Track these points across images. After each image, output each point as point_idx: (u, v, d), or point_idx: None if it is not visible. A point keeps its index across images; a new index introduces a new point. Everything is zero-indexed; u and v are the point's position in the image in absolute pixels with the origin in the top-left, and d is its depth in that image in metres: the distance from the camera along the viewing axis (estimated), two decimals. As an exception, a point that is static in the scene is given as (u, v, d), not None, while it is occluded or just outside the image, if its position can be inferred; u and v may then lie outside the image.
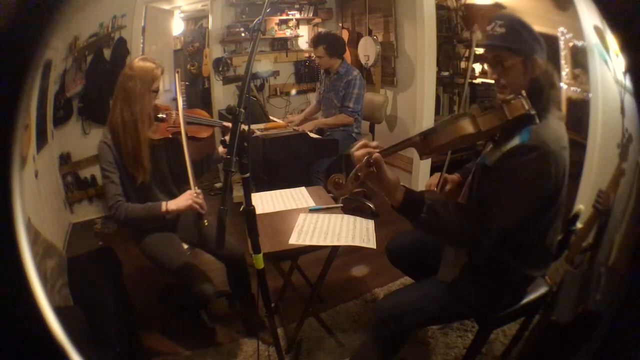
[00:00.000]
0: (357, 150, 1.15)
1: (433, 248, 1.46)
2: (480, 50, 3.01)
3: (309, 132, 2.62)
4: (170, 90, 1.96)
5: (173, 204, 1.60)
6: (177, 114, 1.73)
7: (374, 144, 1.17)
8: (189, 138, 1.76)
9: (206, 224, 1.62)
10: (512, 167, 1.11)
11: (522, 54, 1.16)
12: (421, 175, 2.92)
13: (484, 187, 1.20)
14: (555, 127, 1.13)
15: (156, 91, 1.67)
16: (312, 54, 3.69)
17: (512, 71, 1.17)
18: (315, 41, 2.83)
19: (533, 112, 1.07)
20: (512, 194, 1.12)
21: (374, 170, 1.11)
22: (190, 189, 1.63)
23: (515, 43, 1.16)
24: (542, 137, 1.09)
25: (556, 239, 1.23)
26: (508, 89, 1.17)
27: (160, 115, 1.72)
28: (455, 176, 1.48)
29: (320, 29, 3.65)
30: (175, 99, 1.85)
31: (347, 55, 3.10)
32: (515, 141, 1.11)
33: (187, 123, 1.76)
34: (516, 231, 1.15)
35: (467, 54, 3.03)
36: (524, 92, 1.08)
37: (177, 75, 1.78)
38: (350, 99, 2.79)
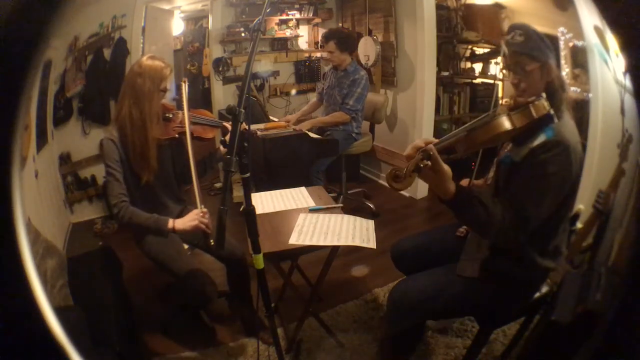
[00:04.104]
0: (413, 145, 1.27)
1: (438, 252, 1.50)
2: (480, 50, 3.02)
3: (308, 132, 2.62)
4: (171, 90, 1.96)
5: (180, 223, 1.61)
6: (183, 114, 1.73)
7: (428, 139, 1.28)
8: (194, 138, 1.75)
9: (212, 243, 1.61)
10: (542, 161, 1.20)
11: (540, 60, 1.27)
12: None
13: (515, 182, 1.28)
14: (571, 124, 1.24)
15: (164, 91, 1.67)
16: (312, 55, 3.71)
17: (532, 76, 1.27)
18: (327, 36, 2.82)
19: (552, 112, 1.20)
20: (545, 186, 1.21)
21: (429, 163, 1.19)
22: (191, 194, 1.63)
23: (535, 50, 1.27)
24: (563, 133, 1.20)
25: (568, 227, 1.29)
26: (527, 92, 1.26)
27: (167, 115, 1.72)
28: (481, 181, 1.55)
29: (321, 29, 3.65)
30: (175, 99, 1.85)
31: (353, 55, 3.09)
32: (541, 138, 1.21)
33: (193, 123, 1.76)
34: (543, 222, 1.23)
35: (467, 54, 3.04)
36: (544, 94, 1.20)
37: (184, 84, 1.78)
38: (351, 97, 2.78)
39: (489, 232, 1.32)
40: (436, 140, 1.28)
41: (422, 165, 1.19)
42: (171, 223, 1.60)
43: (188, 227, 1.60)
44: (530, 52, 1.27)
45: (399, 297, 1.44)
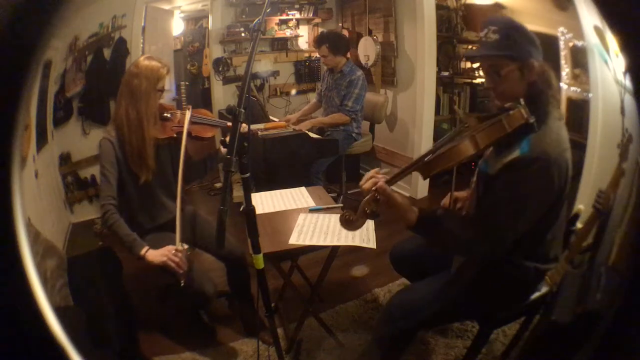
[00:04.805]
0: (365, 183, 1.18)
1: (438, 254, 1.46)
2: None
3: (308, 132, 2.62)
4: (170, 90, 1.96)
5: (151, 255, 1.55)
6: (182, 114, 1.73)
7: (382, 172, 1.19)
8: (193, 138, 1.75)
9: (182, 284, 1.56)
10: (514, 179, 1.11)
11: (518, 60, 1.13)
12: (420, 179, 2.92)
13: (488, 198, 1.21)
14: (555, 130, 1.12)
15: (161, 90, 1.67)
16: (312, 55, 3.71)
17: (509, 79, 1.15)
18: (318, 41, 2.82)
19: (532, 120, 1.07)
20: (517, 208, 1.12)
21: (380, 199, 1.14)
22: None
23: (510, 49, 1.13)
24: (541, 146, 1.08)
25: (562, 230, 1.24)
26: (505, 95, 1.15)
27: (165, 115, 1.73)
28: (465, 193, 1.48)
29: (321, 29, 3.65)
30: (175, 99, 1.85)
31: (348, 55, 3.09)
32: (515, 153, 1.10)
33: (192, 123, 1.76)
34: (524, 234, 1.17)
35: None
36: (522, 101, 1.08)
37: (188, 111, 1.77)
38: (350, 98, 2.78)
39: (460, 252, 1.29)
40: (387, 176, 1.19)
41: (368, 212, 1.16)
42: (144, 250, 1.56)
43: (156, 261, 1.54)
44: (506, 52, 1.13)
45: (396, 309, 1.37)
